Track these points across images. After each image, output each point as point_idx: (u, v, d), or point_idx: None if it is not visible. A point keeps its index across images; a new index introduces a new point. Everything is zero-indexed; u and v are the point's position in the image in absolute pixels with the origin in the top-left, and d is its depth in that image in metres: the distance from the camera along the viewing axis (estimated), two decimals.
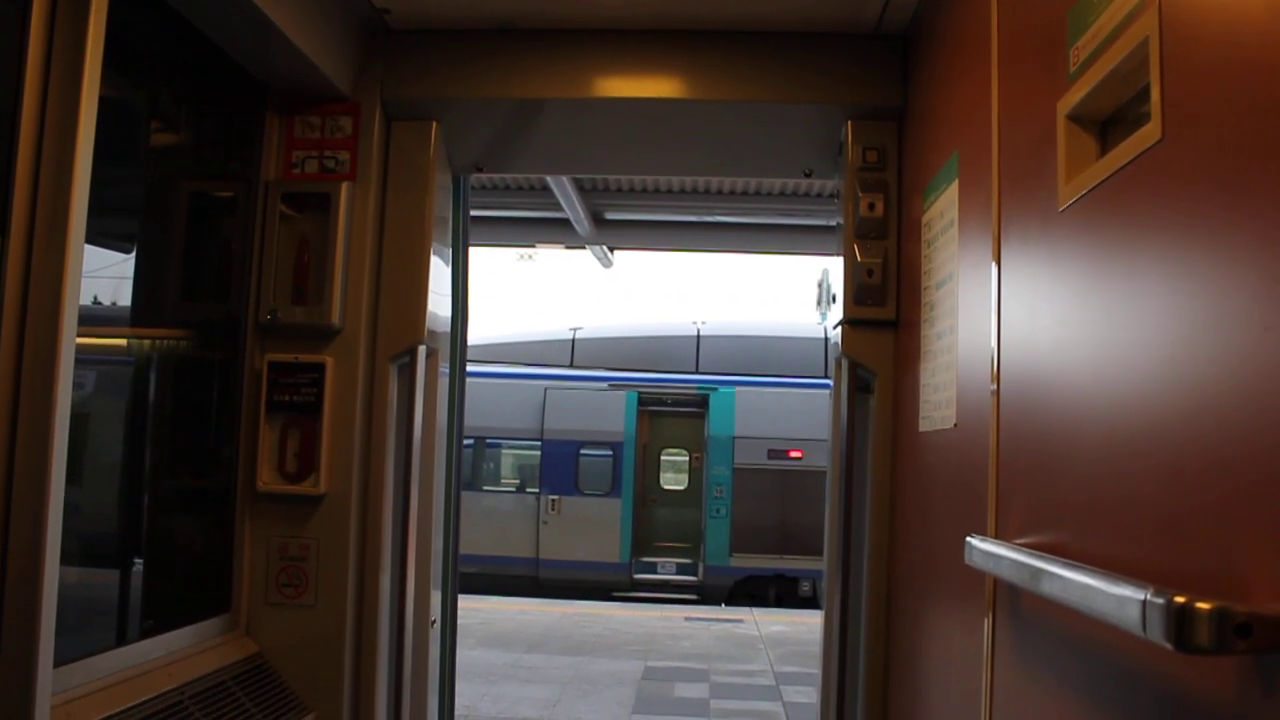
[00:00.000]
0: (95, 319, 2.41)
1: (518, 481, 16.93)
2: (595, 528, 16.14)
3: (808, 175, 3.29)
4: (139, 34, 2.42)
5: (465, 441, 3.74)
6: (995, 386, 1.87)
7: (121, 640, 2.40)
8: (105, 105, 2.03)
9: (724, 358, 17.13)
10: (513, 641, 10.23)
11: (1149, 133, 1.26)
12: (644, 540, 16.44)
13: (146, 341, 2.69)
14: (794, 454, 15.94)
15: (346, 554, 2.89)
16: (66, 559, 1.97)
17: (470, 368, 3.65)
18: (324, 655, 2.87)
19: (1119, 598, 1.07)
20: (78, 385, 2.00)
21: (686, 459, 16.89)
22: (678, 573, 16.23)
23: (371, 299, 3.01)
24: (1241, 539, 1.02)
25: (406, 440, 2.98)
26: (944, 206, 2.35)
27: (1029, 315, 1.74)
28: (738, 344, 17.52)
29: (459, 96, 3.05)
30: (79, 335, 1.98)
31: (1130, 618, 1.03)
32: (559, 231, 8.01)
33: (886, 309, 2.87)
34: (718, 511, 16.10)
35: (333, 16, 2.82)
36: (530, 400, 16.56)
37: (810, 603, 14.86)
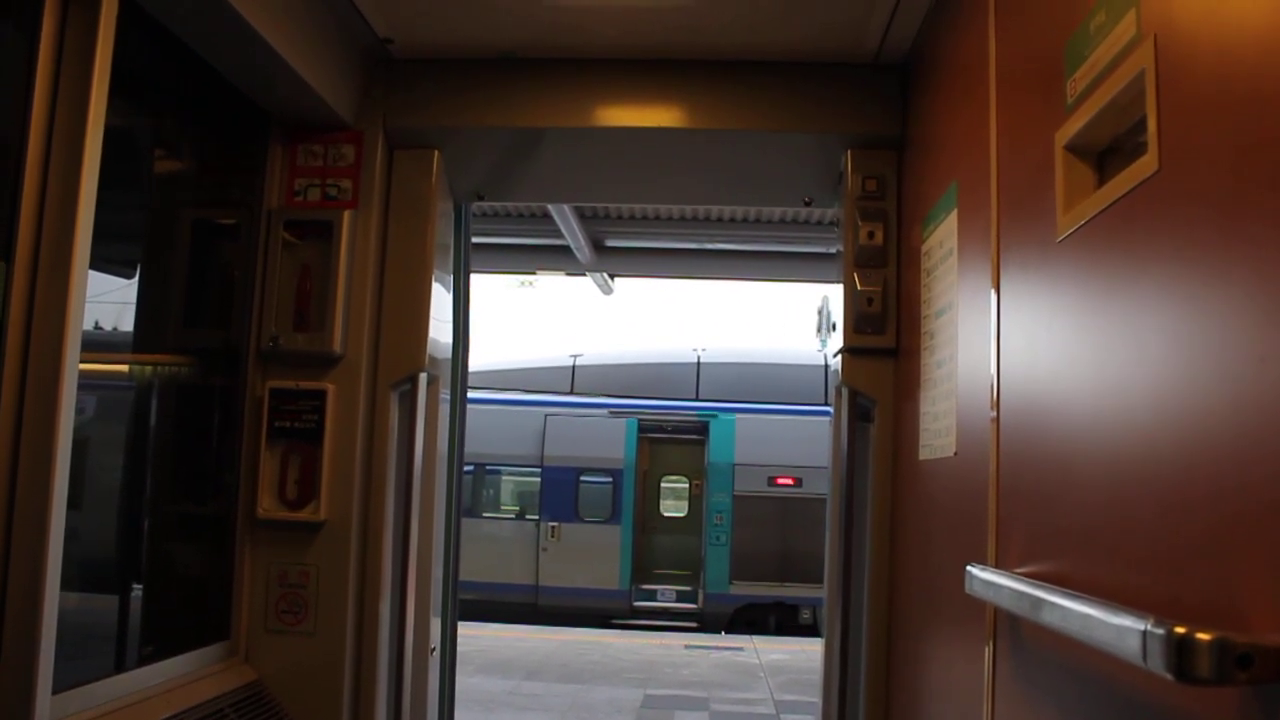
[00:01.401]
0: (98, 345, 2.42)
1: (518, 508, 16.89)
2: (595, 555, 16.09)
3: (807, 204, 3.31)
4: (144, 64, 2.44)
5: (465, 468, 3.73)
6: (995, 415, 1.87)
7: (120, 667, 2.39)
8: (110, 133, 2.05)
9: (724, 385, 17.14)
10: (512, 669, 10.18)
11: (1146, 164, 1.27)
12: (644, 567, 16.39)
13: (149, 367, 2.70)
14: (780, 481, 15.95)
15: (346, 581, 2.89)
16: (66, 585, 1.97)
17: (471, 394, 3.65)
18: (323, 683, 2.85)
19: (1119, 628, 1.07)
20: (80, 411, 2.00)
21: (686, 486, 16.86)
22: (678, 600, 16.17)
23: (373, 326, 3.02)
24: (1241, 568, 1.02)
25: (407, 467, 2.98)
26: (943, 236, 2.36)
27: (1028, 344, 1.75)
28: (738, 371, 17.53)
29: (461, 125, 3.07)
30: (82, 361, 1.99)
31: (1130, 648, 1.03)
32: (560, 258, 8.05)
33: (886, 337, 2.88)
34: (718, 539, 16.06)
35: (336, 47, 2.84)
36: (530, 426, 16.56)
37: (810, 630, 14.79)
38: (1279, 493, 0.95)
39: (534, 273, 10.13)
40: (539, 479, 16.54)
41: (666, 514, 16.83)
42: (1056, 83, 1.59)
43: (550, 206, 6.34)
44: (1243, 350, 1.03)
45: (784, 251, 7.71)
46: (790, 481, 15.93)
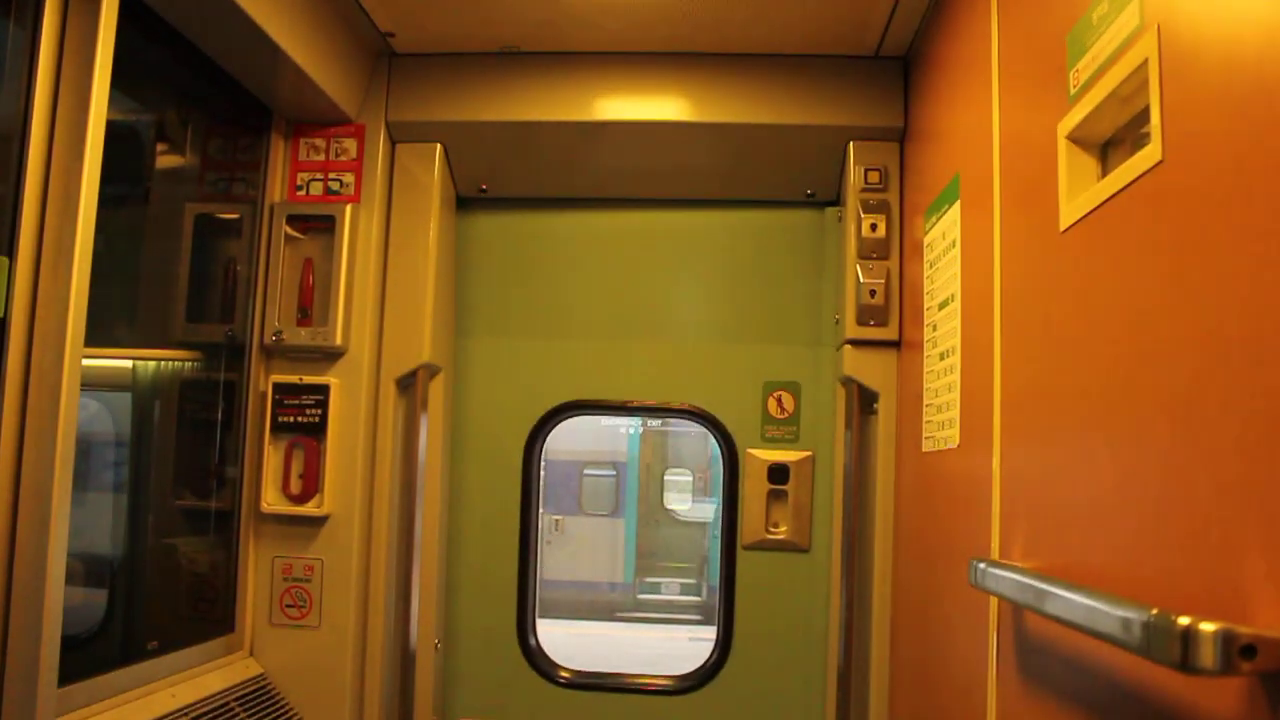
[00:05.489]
0: (101, 340, 2.42)
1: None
2: (599, 548, 16.11)
3: (810, 197, 3.30)
4: (146, 58, 2.44)
5: None
6: (998, 406, 1.87)
7: (125, 661, 2.39)
8: (112, 128, 2.05)
9: None
10: None
11: (1149, 154, 1.27)
12: (648, 560, 16.38)
13: (151, 363, 2.70)
14: None
15: (350, 575, 2.89)
16: (71, 579, 1.97)
17: None
18: (328, 676, 2.86)
19: (1123, 619, 1.07)
20: (83, 407, 2.01)
21: (690, 479, 16.84)
22: (682, 593, 16.17)
23: (376, 320, 3.02)
24: (1245, 560, 1.02)
25: (410, 461, 2.99)
26: (946, 227, 2.36)
27: (1031, 336, 1.74)
28: None
29: (463, 119, 3.07)
30: (84, 356, 1.99)
31: (1134, 639, 1.03)
32: None
33: (889, 329, 2.88)
34: None
35: (339, 41, 2.84)
36: None
37: None
38: None
39: None
40: (543, 472, 16.54)
41: (670, 507, 16.81)
42: (1059, 73, 1.59)
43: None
44: (1248, 340, 1.03)
45: None
46: None
